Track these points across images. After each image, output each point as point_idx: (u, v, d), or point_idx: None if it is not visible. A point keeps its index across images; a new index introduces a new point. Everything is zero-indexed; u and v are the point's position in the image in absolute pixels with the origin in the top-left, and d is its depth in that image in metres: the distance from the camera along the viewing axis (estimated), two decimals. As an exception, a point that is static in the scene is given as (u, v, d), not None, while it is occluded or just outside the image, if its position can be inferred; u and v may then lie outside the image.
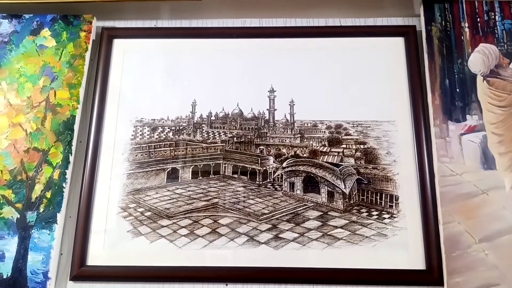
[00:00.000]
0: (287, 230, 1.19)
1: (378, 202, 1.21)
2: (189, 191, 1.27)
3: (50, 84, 1.32)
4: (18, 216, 1.19)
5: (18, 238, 1.17)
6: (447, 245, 1.11)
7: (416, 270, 1.13)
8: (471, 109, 1.25)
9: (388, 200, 1.20)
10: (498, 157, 1.19)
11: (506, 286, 1.07)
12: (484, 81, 1.27)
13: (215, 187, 1.27)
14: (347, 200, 1.22)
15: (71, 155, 1.25)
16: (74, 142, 1.26)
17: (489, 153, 1.20)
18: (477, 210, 1.14)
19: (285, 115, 1.33)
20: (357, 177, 1.24)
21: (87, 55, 1.36)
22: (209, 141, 1.33)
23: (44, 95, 1.31)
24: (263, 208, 1.23)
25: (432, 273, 1.12)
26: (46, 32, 1.39)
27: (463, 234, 1.12)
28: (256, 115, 1.34)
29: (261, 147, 1.32)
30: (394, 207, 1.20)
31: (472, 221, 1.13)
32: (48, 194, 1.21)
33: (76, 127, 1.28)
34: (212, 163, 1.30)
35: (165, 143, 1.32)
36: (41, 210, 1.19)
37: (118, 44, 1.41)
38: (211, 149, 1.32)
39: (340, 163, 1.26)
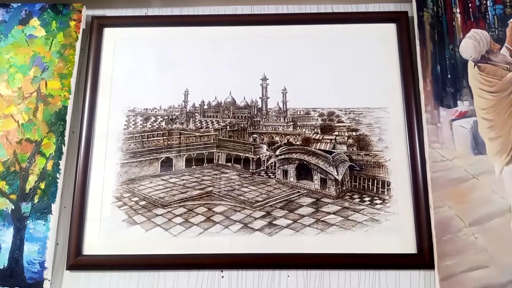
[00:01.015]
0: (281, 217, 1.20)
1: (370, 188, 1.22)
2: (183, 180, 1.27)
3: (41, 75, 1.31)
4: (13, 207, 1.19)
5: (13, 229, 1.17)
6: (438, 229, 1.14)
7: (408, 254, 1.16)
8: (462, 95, 1.26)
9: (380, 186, 1.22)
10: (489, 142, 1.21)
11: (495, 268, 1.09)
12: (475, 66, 1.27)
13: (209, 175, 1.28)
14: (339, 186, 1.23)
15: (64, 145, 1.25)
16: (66, 133, 1.26)
17: (480, 138, 1.21)
18: (467, 194, 1.16)
19: (277, 103, 1.33)
20: (350, 163, 1.25)
21: (78, 45, 1.35)
22: (202, 130, 1.33)
23: (35, 86, 1.30)
24: (257, 196, 1.24)
25: (423, 256, 1.14)
26: (35, 21, 1.37)
27: (453, 218, 1.14)
28: (249, 104, 1.34)
29: (254, 135, 1.32)
30: (386, 193, 1.21)
31: (462, 206, 1.15)
32: (42, 185, 1.21)
33: (68, 117, 1.28)
34: (206, 152, 1.31)
35: (158, 132, 1.32)
36: (36, 201, 1.20)
37: (109, 33, 1.40)
38: (204, 138, 1.32)
39: (333, 150, 1.27)
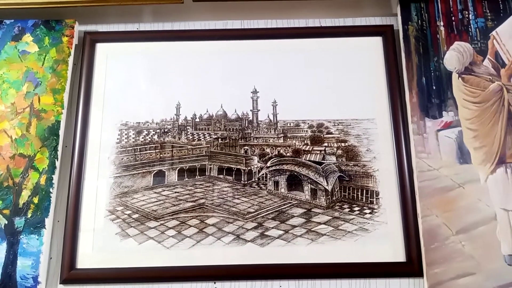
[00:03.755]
0: (273, 227, 1.22)
1: (359, 198, 1.25)
2: (175, 192, 1.29)
3: (34, 90, 1.33)
4: (6, 222, 1.20)
5: (6, 244, 1.18)
6: (426, 237, 1.16)
7: (397, 262, 1.18)
8: (447, 106, 1.29)
9: (368, 195, 1.24)
10: (473, 152, 1.24)
11: (482, 275, 1.12)
12: (459, 78, 1.31)
13: (201, 187, 1.30)
14: (329, 197, 1.26)
15: (57, 160, 1.26)
16: (59, 147, 1.27)
17: (465, 148, 1.24)
18: (454, 203, 1.19)
19: (268, 116, 1.36)
20: (339, 174, 1.28)
21: (70, 60, 1.37)
22: (194, 142, 1.35)
23: (28, 101, 1.32)
24: (249, 207, 1.26)
25: (412, 265, 1.16)
26: (28, 37, 1.39)
27: (441, 226, 1.17)
28: (240, 116, 1.37)
29: (246, 147, 1.34)
30: (374, 203, 1.24)
31: (449, 214, 1.18)
32: (36, 200, 1.22)
33: (61, 132, 1.29)
34: (198, 165, 1.33)
35: (151, 145, 1.34)
36: (29, 215, 1.20)
37: (101, 48, 1.42)
38: (196, 150, 1.34)
39: (323, 161, 1.30)
